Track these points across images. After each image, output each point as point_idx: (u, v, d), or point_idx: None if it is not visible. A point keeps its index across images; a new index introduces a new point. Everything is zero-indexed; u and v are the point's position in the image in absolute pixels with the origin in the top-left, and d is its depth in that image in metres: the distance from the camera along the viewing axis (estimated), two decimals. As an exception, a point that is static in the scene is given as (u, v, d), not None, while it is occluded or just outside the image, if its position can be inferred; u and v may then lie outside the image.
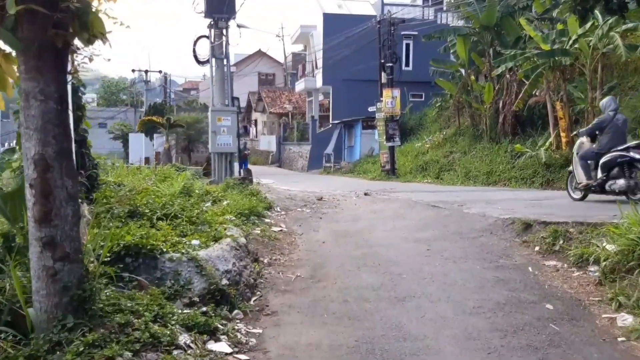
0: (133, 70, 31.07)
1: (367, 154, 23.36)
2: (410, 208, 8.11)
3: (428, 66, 23.63)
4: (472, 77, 17.38)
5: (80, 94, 5.27)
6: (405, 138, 21.52)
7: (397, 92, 18.01)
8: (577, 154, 7.88)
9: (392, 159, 18.08)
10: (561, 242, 5.58)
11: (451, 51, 18.04)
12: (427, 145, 19.28)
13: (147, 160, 26.97)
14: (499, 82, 16.54)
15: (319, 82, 27.16)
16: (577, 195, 7.95)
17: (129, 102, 36.60)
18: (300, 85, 30.33)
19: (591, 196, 7.66)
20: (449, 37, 17.73)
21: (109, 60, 5.11)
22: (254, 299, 4.07)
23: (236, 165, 20.49)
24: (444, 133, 20.03)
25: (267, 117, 35.28)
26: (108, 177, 11.24)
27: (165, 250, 3.71)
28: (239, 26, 30.82)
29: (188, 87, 54.56)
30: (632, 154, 7.02)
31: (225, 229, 5.11)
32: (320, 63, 26.52)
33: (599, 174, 7.35)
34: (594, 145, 7.61)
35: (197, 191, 8.21)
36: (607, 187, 7.27)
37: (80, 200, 5.05)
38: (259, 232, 6.22)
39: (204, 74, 49.71)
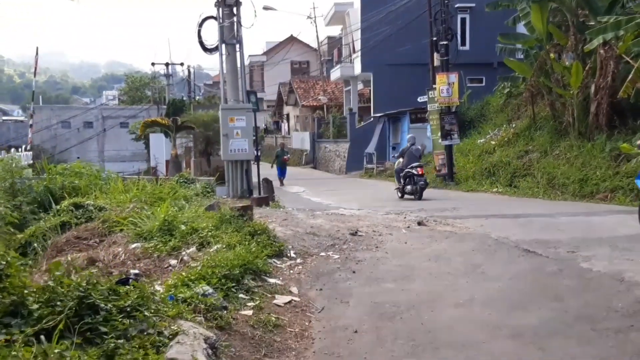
0: (153, 64, 29.92)
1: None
2: (490, 254, 5.73)
3: (488, 44, 20.77)
4: (552, 55, 14.49)
5: None
6: (464, 132, 18.81)
7: (454, 77, 15.40)
8: (395, 168, 13.57)
9: (449, 161, 15.52)
10: None
11: (522, 23, 15.23)
12: (493, 142, 16.55)
13: (168, 163, 25.60)
14: (589, 60, 13.63)
15: (357, 68, 24.77)
16: (399, 195, 12.77)
17: (152, 98, 35.58)
18: (335, 73, 28.01)
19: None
20: (519, 6, 14.93)
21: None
22: None
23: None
24: (513, 126, 17.22)
25: (300, 110, 33.24)
26: (89, 197, 9.57)
27: None
28: (265, 8, 28.91)
29: (219, 80, 53.45)
30: (413, 170, 12.27)
31: (176, 333, 3.01)
32: (358, 45, 24.12)
33: (402, 182, 12.58)
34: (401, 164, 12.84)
35: (182, 227, 6.21)
36: (405, 190, 12.50)
37: None
38: (250, 312, 4.07)
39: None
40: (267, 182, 11.81)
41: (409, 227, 7.24)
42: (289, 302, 4.52)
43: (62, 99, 75.80)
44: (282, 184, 18.48)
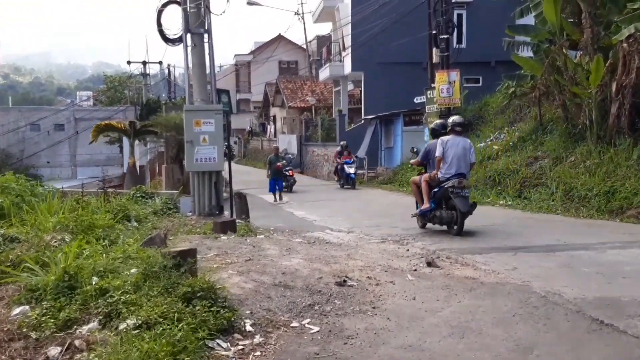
0: (129, 62, 27.66)
1: (411, 158, 18.95)
2: (541, 324, 3.81)
3: (486, 42, 19.14)
4: (565, 51, 12.71)
5: None
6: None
7: (454, 75, 13.59)
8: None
9: (449, 168, 13.62)
10: None
11: (533, 14, 13.40)
12: (496, 147, 14.75)
13: (140, 168, 23.50)
14: (610, 55, 11.86)
15: (347, 67, 22.86)
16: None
17: (129, 99, 33.33)
18: (324, 73, 26.06)
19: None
20: (529, -5, 13.13)
21: None
22: None
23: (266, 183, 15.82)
24: (514, 129, 15.48)
25: (287, 112, 31.26)
26: (4, 223, 7.54)
27: None
28: (249, 3, 26.91)
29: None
30: (286, 172, 16.91)
31: None
32: (349, 43, 22.22)
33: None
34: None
35: (94, 280, 4.25)
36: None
37: None
38: None
39: (220, 64, 46.24)
40: (240, 198, 9.84)
41: (415, 270, 5.30)
42: None
43: (46, 100, 73.38)
44: (279, 198, 15.21)
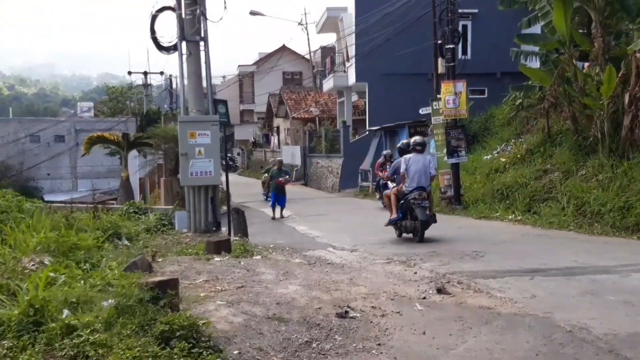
0: (129, 73, 27.44)
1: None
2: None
3: (491, 53, 18.73)
4: (574, 61, 12.27)
5: None
6: (467, 148, 16.59)
7: (461, 86, 13.12)
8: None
9: (456, 181, 13.18)
10: None
11: (542, 23, 12.99)
12: (503, 160, 14.26)
13: (140, 181, 23.15)
14: (621, 66, 11.42)
15: (351, 78, 22.50)
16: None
17: (129, 109, 33.04)
18: (328, 84, 25.70)
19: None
20: (538, 4, 12.71)
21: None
22: None
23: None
24: (522, 141, 15.01)
25: (291, 123, 30.90)
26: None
27: None
28: (252, 13, 26.68)
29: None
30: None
31: None
32: (353, 53, 21.88)
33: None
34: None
35: (64, 314, 3.79)
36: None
37: None
38: None
39: (223, 75, 46.08)
40: (238, 214, 9.38)
41: (424, 298, 4.81)
42: None
43: (50, 112, 73.49)
44: (280, 215, 14.09)
